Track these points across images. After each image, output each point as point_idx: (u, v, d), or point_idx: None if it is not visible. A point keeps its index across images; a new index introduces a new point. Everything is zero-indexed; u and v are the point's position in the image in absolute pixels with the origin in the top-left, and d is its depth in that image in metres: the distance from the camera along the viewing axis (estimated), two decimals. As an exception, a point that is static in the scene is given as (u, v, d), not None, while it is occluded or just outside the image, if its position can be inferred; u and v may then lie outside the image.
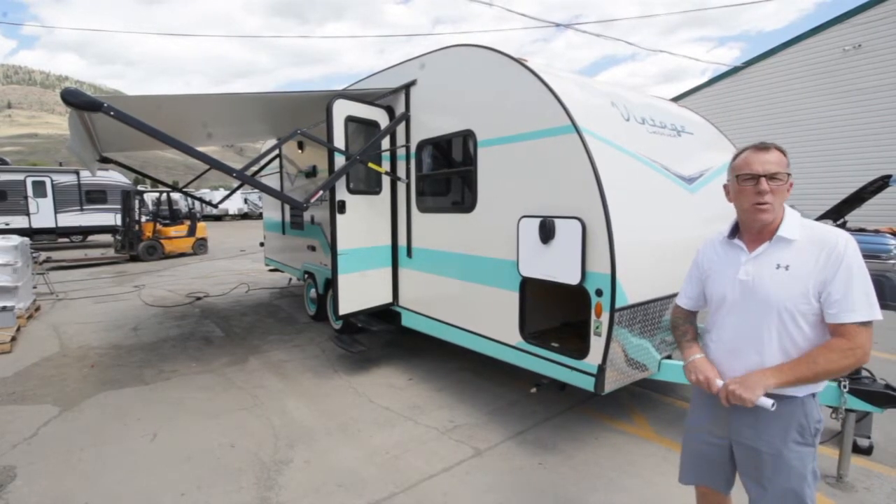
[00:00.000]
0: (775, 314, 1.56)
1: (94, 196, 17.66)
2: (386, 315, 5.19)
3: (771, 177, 1.55)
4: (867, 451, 3.19)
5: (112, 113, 3.28)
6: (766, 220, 1.59)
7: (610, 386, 3.03)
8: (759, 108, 14.68)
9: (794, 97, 13.88)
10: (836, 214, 9.30)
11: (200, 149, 4.20)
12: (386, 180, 4.88)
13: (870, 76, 12.40)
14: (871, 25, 12.40)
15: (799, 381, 1.52)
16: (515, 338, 3.62)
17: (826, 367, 1.49)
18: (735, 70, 15.59)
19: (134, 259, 13.78)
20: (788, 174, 1.57)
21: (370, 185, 4.82)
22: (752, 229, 1.66)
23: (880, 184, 8.79)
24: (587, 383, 3.08)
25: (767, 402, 1.50)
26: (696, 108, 6.09)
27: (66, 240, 18.62)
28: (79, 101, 3.17)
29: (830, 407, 2.87)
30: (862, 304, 1.47)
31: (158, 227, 14.51)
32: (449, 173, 4.83)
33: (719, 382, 1.64)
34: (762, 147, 1.60)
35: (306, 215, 6.77)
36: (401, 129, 4.76)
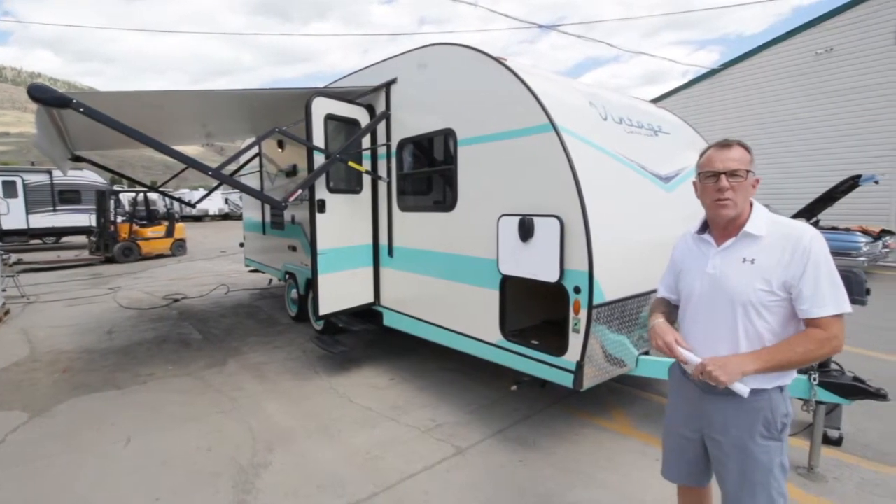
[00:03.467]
0: (740, 306, 1.59)
1: (67, 196, 17.21)
2: (368, 315, 5.15)
3: (731, 173, 1.59)
4: (837, 443, 3.27)
5: (82, 109, 3.20)
6: (728, 215, 1.62)
7: (588, 382, 3.06)
8: (736, 110, 15.01)
9: (769, 99, 14.22)
10: (809, 213, 9.56)
11: (177, 147, 4.13)
12: (367, 179, 4.85)
13: (841, 79, 12.77)
14: (842, 30, 12.78)
15: (776, 367, 1.53)
16: (496, 336, 3.63)
17: (804, 356, 1.51)
18: (713, 72, 15.90)
19: (109, 261, 13.46)
20: (749, 171, 1.60)
21: (351, 184, 4.78)
22: (718, 225, 1.70)
23: (851, 183, 9.06)
24: (566, 380, 3.10)
25: (743, 389, 1.51)
26: (675, 109, 6.20)
27: (38, 241, 18.09)
28: (46, 97, 3.08)
29: (801, 399, 2.95)
30: (832, 297, 1.50)
31: (135, 227, 14.20)
32: (430, 172, 4.82)
33: (692, 357, 1.62)
34: (725, 144, 1.64)
35: (287, 215, 6.70)
36: (381, 127, 4.73)
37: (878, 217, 11.90)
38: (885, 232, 9.99)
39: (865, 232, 9.57)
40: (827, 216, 10.47)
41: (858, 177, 8.98)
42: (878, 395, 2.84)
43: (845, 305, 1.50)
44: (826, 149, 13.07)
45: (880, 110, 12.11)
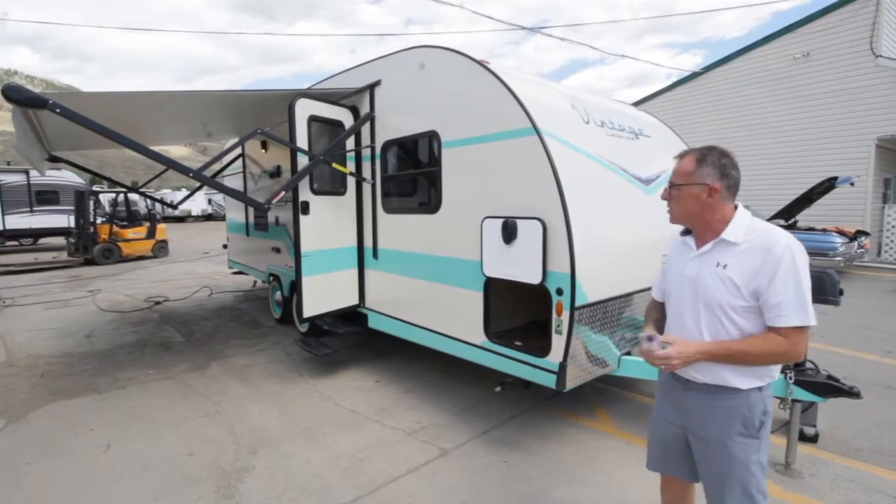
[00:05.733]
0: (713, 308, 1.63)
1: (45, 197, 16.81)
2: (353, 317, 5.14)
3: (671, 185, 1.70)
4: (813, 439, 3.35)
5: (58, 110, 3.13)
6: (671, 222, 1.77)
7: (571, 383, 3.09)
8: (717, 113, 15.28)
9: (748, 102, 14.50)
10: (788, 214, 9.77)
11: (161, 147, 4.07)
12: (351, 181, 4.83)
13: (818, 82, 13.07)
14: (819, 35, 13.08)
15: (728, 358, 1.59)
16: (480, 337, 3.64)
17: (760, 358, 1.58)
18: (694, 76, 16.15)
19: (89, 263, 13.20)
20: (688, 184, 1.65)
21: (335, 186, 4.76)
22: (693, 229, 1.75)
23: (828, 185, 9.28)
24: (549, 381, 3.13)
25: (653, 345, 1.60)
26: (657, 112, 6.29)
27: (14, 243, 17.65)
28: (21, 98, 3.01)
29: (778, 398, 3.01)
30: (796, 309, 1.50)
31: (115, 228, 13.94)
32: (414, 174, 4.82)
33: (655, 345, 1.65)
34: (680, 154, 1.74)
35: (271, 216, 6.64)
36: (366, 129, 4.73)
37: (853, 218, 12.22)
38: (860, 233, 10.25)
39: (841, 233, 9.81)
40: (804, 217, 10.71)
41: (835, 178, 9.20)
42: (852, 394, 2.92)
43: (809, 318, 1.51)
44: (803, 151, 13.37)
45: (856, 113, 12.42)
